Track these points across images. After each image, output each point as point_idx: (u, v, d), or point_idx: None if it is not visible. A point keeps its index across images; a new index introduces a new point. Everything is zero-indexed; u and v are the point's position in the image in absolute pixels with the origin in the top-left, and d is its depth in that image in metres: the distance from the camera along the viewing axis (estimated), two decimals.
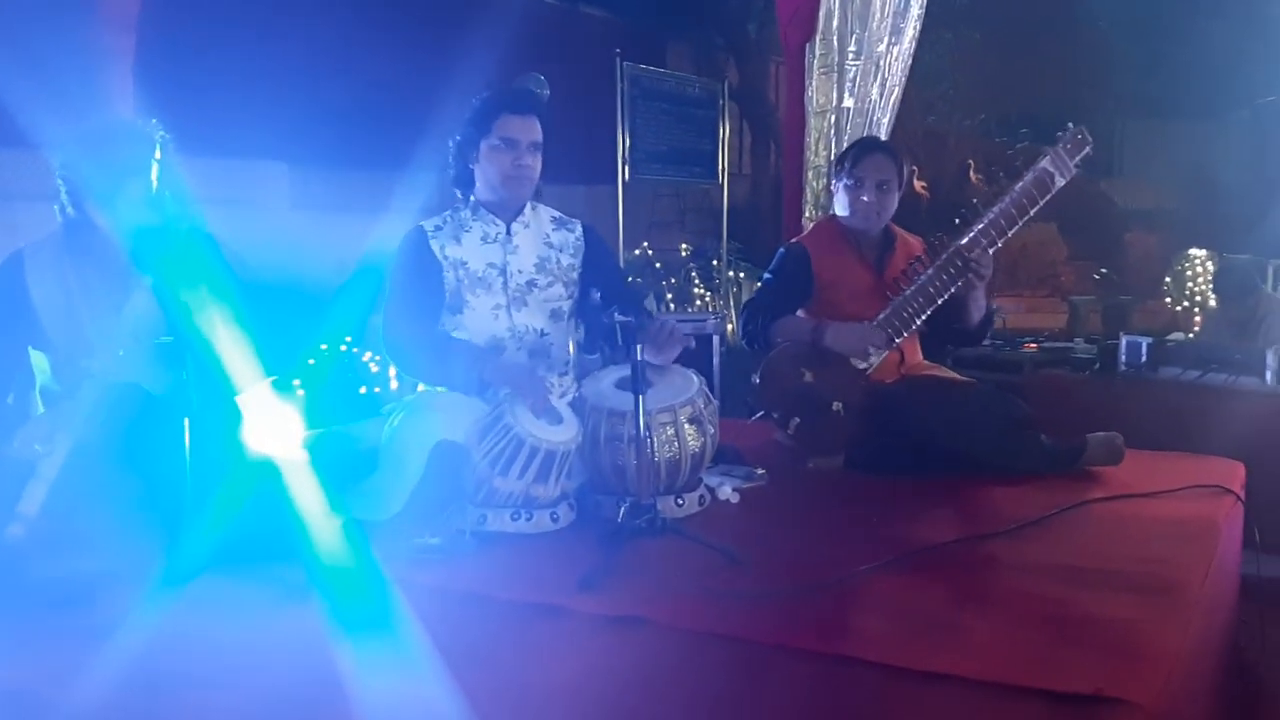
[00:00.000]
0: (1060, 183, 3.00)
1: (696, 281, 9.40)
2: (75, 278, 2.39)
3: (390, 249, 2.83)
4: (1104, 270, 10.42)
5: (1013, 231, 3.02)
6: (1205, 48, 11.84)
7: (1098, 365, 4.46)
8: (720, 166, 8.74)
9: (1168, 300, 9.57)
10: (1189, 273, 9.46)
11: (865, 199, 3.16)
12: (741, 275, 9.37)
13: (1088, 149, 3.02)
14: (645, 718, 1.58)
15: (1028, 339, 5.24)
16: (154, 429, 2.34)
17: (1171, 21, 12.69)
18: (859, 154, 3.21)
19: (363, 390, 6.55)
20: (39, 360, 2.43)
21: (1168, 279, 9.69)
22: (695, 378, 2.61)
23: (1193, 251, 9.50)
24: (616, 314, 2.20)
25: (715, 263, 9.23)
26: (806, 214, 4.79)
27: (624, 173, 7.89)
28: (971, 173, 11.83)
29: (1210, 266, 9.14)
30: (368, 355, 6.63)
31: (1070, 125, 3.04)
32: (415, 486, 2.50)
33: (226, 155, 6.05)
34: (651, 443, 2.35)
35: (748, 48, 11.65)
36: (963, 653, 1.74)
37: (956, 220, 3.04)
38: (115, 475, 2.24)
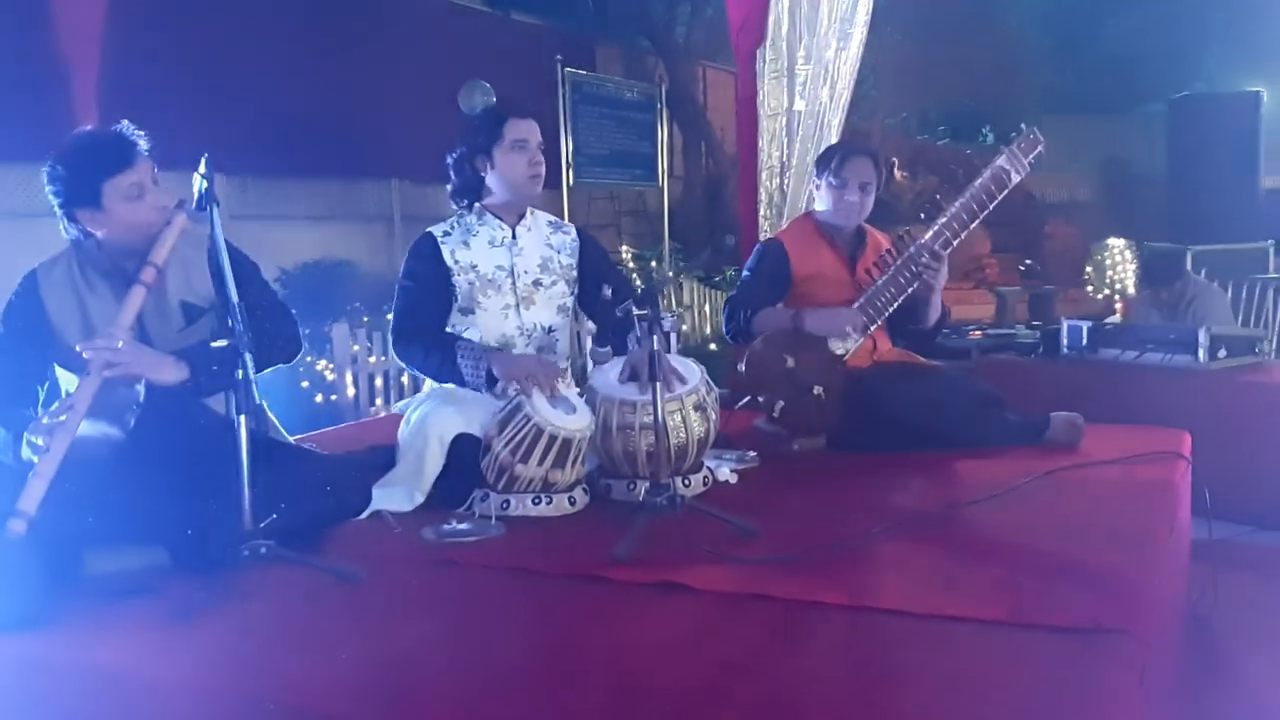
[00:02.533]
0: (1016, 179, 3.24)
1: (638, 283, 9.58)
2: (86, 290, 2.47)
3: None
4: (1028, 262, 10.84)
5: (974, 224, 3.26)
6: (1112, 45, 12.38)
7: (1041, 349, 4.74)
8: (660, 169, 8.96)
9: (1089, 288, 9.99)
10: (1108, 261, 9.87)
11: (849, 199, 3.37)
12: (681, 276, 9.57)
13: (1040, 148, 3.27)
14: (689, 675, 1.71)
15: (972, 327, 5.52)
16: (195, 424, 2.46)
17: (1081, 19, 13.20)
18: (845, 156, 3.39)
19: (319, 399, 6.63)
20: (66, 376, 2.51)
21: (1088, 268, 10.11)
22: (697, 367, 2.80)
23: (1111, 241, 9.91)
24: (634, 308, 2.38)
25: (655, 264, 9.42)
26: (761, 212, 5.00)
27: (568, 177, 8.07)
28: (896, 170, 12.17)
29: (1129, 255, 9.57)
30: (322, 364, 6.70)
31: (1023, 125, 3.28)
32: (441, 477, 2.67)
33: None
34: (669, 427, 2.53)
35: (675, 51, 11.85)
36: (973, 598, 1.94)
37: (922, 215, 3.27)
38: (161, 470, 2.34)
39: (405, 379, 7.08)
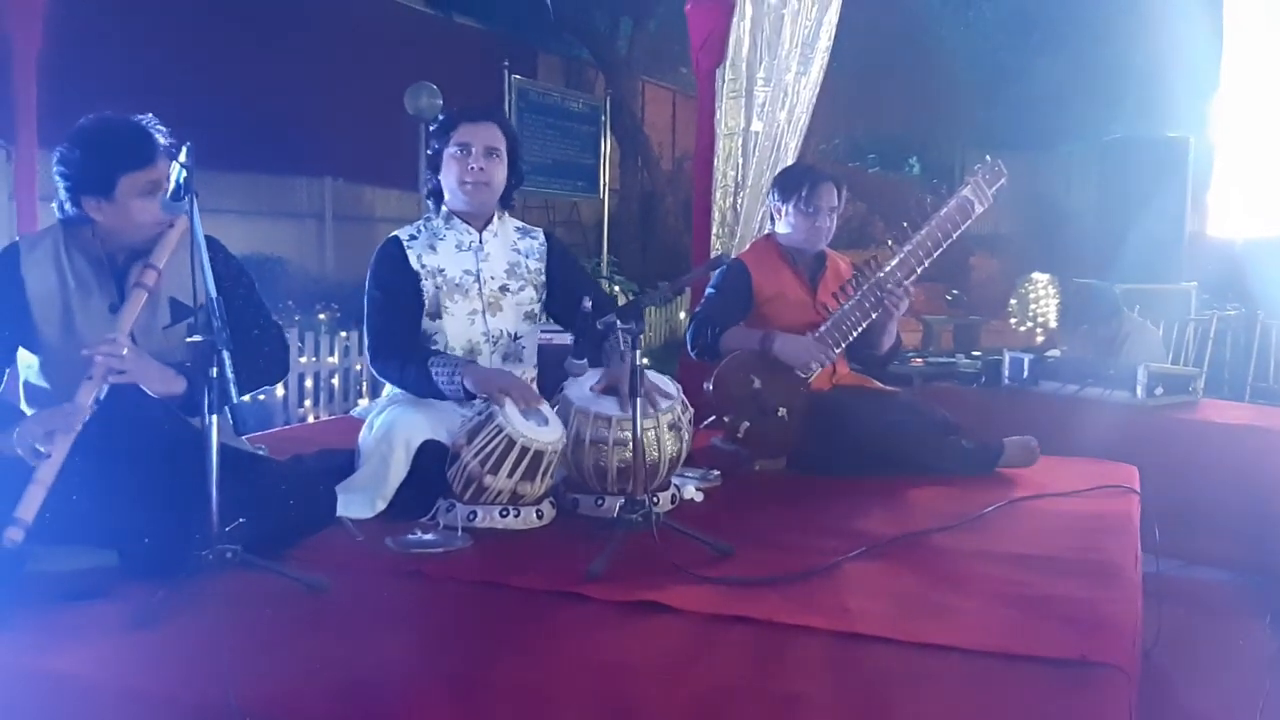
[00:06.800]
0: (979, 210, 3.29)
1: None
2: (71, 274, 2.37)
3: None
4: (955, 291, 11.04)
5: (937, 254, 3.30)
6: (1038, 85, 12.70)
7: (984, 379, 4.81)
8: (601, 181, 8.94)
9: (1013, 320, 10.23)
10: (1032, 294, 10.12)
11: (820, 224, 3.39)
12: (617, 289, 9.56)
13: (1003, 180, 3.31)
14: (674, 698, 1.68)
15: (911, 354, 5.58)
16: (155, 428, 2.37)
17: (1008, 59, 13.54)
18: (814, 184, 3.39)
19: (247, 399, 6.43)
20: (25, 357, 2.41)
21: (1012, 300, 10.34)
22: (673, 386, 2.78)
23: (1035, 275, 10.17)
24: (618, 321, 2.34)
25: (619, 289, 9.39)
26: (714, 230, 5.01)
27: None
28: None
29: (1052, 289, 9.82)
30: None
31: (988, 157, 3.33)
32: (403, 484, 2.61)
33: None
34: (643, 444, 2.50)
35: (616, 64, 11.87)
36: (956, 627, 1.94)
37: (889, 242, 3.31)
38: (117, 472, 2.25)
39: (335, 381, 6.95)
